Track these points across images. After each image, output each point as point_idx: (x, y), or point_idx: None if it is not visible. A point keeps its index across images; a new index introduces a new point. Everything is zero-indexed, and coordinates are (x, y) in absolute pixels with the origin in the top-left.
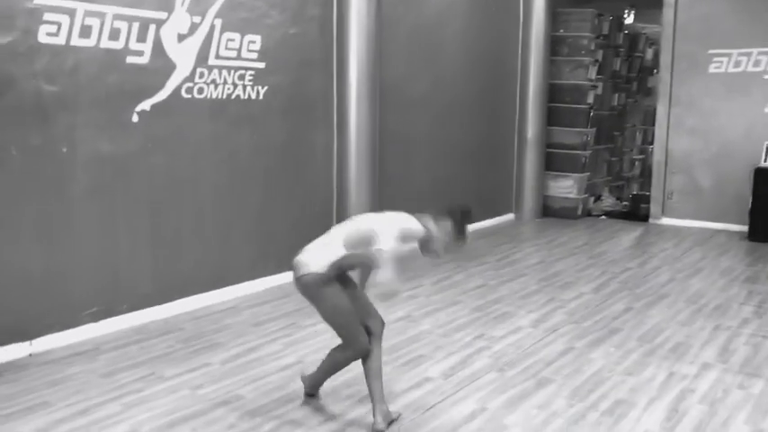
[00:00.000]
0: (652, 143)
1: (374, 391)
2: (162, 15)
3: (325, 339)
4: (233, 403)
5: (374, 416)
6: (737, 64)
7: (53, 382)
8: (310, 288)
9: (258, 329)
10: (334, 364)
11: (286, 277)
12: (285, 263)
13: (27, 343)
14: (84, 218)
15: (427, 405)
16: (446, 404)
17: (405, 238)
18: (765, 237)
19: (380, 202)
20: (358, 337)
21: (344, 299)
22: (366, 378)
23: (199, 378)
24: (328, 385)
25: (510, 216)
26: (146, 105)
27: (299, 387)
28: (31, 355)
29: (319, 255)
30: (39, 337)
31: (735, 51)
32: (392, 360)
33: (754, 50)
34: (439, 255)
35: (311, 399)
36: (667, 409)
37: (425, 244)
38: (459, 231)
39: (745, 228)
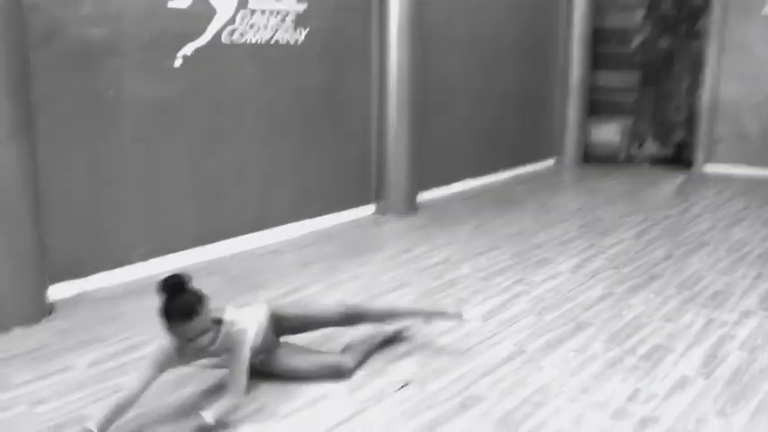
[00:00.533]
0: (700, 88)
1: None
2: None
3: (364, 283)
4: None
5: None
6: None
7: (106, 319)
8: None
9: (301, 271)
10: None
11: (325, 221)
12: (324, 206)
13: (80, 280)
14: (130, 160)
15: (466, 347)
16: (484, 346)
17: None
18: None
19: (419, 146)
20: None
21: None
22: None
23: None
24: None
25: (551, 162)
26: (188, 50)
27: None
28: (83, 292)
29: None
30: (91, 275)
31: None
32: (431, 303)
33: None
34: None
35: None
36: (705, 355)
37: None
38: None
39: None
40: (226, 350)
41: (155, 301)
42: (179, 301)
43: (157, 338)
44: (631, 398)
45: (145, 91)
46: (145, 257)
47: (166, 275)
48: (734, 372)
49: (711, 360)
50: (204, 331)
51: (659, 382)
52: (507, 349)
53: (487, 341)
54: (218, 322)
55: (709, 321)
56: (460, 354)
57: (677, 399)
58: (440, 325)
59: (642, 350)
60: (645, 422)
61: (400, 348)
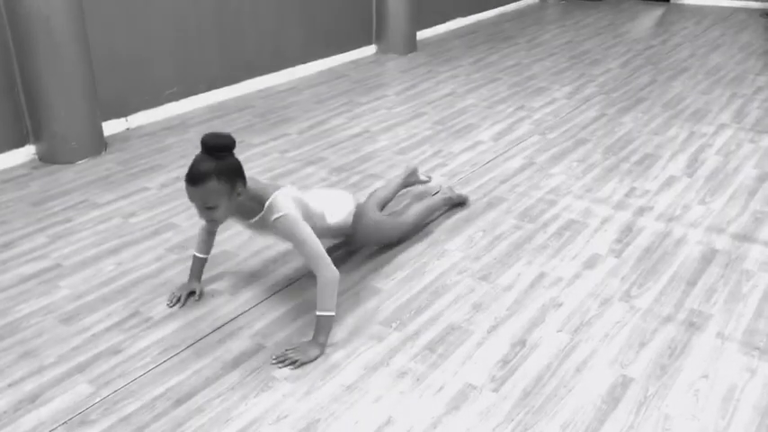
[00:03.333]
0: None
1: None
2: None
3: (383, 114)
4: (319, 163)
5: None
6: None
7: (158, 150)
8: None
9: (321, 106)
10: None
11: (334, 60)
12: (332, 47)
13: (123, 119)
14: (158, 6)
15: (483, 161)
16: (499, 161)
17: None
18: None
19: None
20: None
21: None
22: None
23: (283, 144)
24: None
25: None
26: None
27: (372, 150)
28: (128, 129)
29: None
30: (132, 114)
31: None
32: (445, 129)
33: None
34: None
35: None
36: (688, 160)
37: None
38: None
39: (765, 4)
40: (278, 235)
41: (196, 134)
42: (198, 164)
43: None
44: (629, 194)
45: None
46: (177, 97)
47: (210, 134)
48: (713, 171)
49: (693, 163)
50: (215, 207)
51: (651, 181)
52: (519, 162)
53: (501, 156)
54: (261, 203)
55: (691, 134)
56: (481, 165)
57: (666, 193)
58: (460, 145)
59: (635, 158)
60: (641, 210)
61: (432, 161)
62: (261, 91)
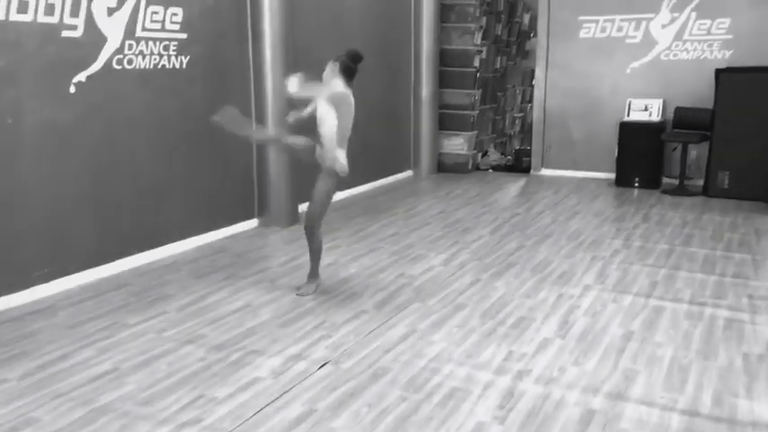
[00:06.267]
0: (531, 102)
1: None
2: None
3: (263, 287)
4: (198, 341)
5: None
6: (603, 29)
7: (24, 336)
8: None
9: (201, 281)
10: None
11: (215, 234)
12: (213, 221)
13: None
14: (31, 184)
15: (366, 331)
16: (382, 329)
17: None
18: (629, 182)
19: (297, 162)
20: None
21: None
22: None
23: (161, 323)
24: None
25: (409, 173)
26: (82, 77)
27: (254, 324)
28: None
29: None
30: None
31: (601, 18)
32: (328, 299)
33: (617, 17)
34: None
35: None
36: (560, 321)
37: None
38: (347, 68)
39: (612, 175)
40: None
41: (66, 317)
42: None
43: (82, 349)
44: (507, 358)
45: (42, 116)
46: (47, 279)
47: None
48: (582, 331)
49: (564, 325)
50: None
51: (527, 344)
52: (402, 330)
53: (384, 325)
54: None
55: (560, 296)
56: (364, 335)
57: (542, 355)
58: (344, 315)
59: (510, 321)
60: (520, 374)
61: (315, 334)
62: (137, 268)
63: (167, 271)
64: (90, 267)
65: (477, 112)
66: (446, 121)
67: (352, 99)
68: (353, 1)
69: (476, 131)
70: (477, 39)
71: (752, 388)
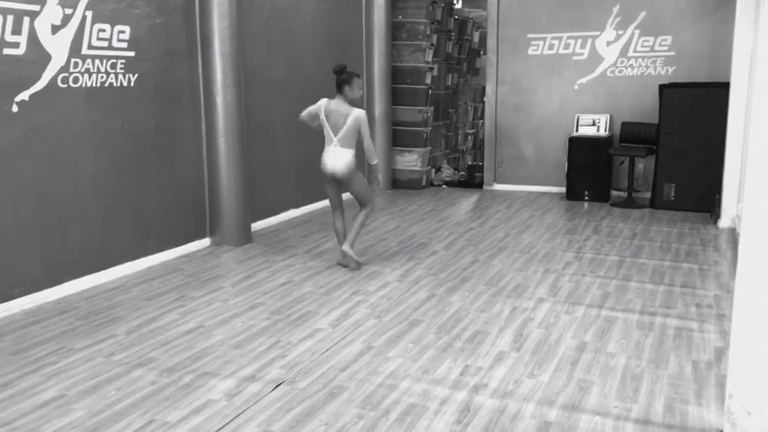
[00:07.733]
0: (482, 118)
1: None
2: (35, 8)
3: (216, 307)
4: (148, 365)
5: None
6: (551, 47)
7: None
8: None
9: (151, 303)
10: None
11: (166, 255)
12: (164, 242)
13: None
14: None
15: (322, 349)
16: (338, 347)
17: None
18: (579, 196)
19: (251, 181)
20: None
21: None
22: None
23: (109, 347)
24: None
25: None
26: (25, 96)
27: (206, 345)
28: None
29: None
30: None
31: (548, 36)
32: (282, 318)
33: (564, 35)
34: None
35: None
36: (514, 334)
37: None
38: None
39: (562, 189)
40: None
41: (9, 343)
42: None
43: (27, 375)
44: (463, 372)
45: None
46: None
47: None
48: (537, 344)
49: (519, 337)
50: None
51: (483, 358)
52: (358, 347)
53: (340, 343)
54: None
55: (514, 309)
56: (320, 354)
57: (498, 369)
58: (299, 334)
59: (466, 335)
60: (477, 388)
61: (270, 354)
62: (85, 291)
63: (116, 293)
64: (34, 291)
65: (430, 128)
66: (399, 138)
67: (324, 109)
68: (305, 19)
69: (429, 148)
70: (429, 56)
71: (702, 395)
